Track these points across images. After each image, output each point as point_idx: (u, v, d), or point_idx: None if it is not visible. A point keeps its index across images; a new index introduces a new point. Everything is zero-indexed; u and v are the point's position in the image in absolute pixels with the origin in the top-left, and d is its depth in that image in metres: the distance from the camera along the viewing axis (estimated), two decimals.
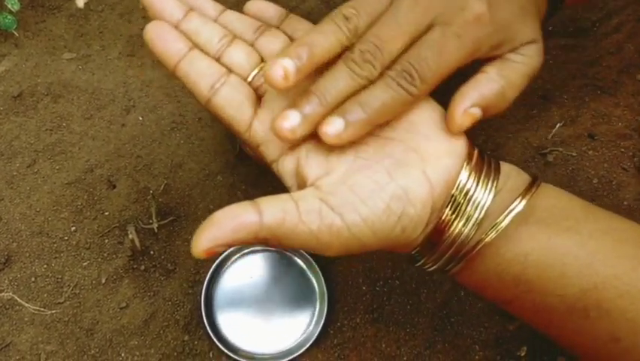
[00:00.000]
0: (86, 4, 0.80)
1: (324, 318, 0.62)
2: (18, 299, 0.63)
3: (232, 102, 0.42)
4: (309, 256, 0.64)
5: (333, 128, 0.38)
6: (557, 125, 0.70)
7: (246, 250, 0.65)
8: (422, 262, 0.42)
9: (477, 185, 0.39)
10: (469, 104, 0.40)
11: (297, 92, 0.41)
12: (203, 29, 0.44)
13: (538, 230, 0.39)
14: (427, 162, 0.39)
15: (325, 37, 0.39)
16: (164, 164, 0.70)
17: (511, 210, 0.39)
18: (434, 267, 0.42)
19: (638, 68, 0.74)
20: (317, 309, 0.63)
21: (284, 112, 0.39)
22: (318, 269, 0.64)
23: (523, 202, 0.39)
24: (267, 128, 0.42)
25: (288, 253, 0.65)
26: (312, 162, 0.40)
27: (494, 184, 0.39)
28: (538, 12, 0.45)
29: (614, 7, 0.78)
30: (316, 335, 0.61)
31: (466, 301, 0.63)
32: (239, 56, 0.44)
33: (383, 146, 0.40)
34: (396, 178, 0.38)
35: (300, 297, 0.63)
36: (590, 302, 0.38)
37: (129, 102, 0.74)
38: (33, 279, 0.64)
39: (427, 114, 0.41)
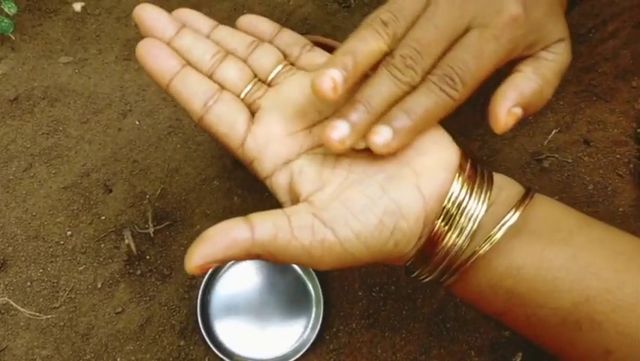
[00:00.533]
0: (82, 7, 0.80)
1: (320, 323, 0.62)
2: (13, 304, 0.63)
3: (225, 119, 0.42)
4: None
5: (382, 137, 0.38)
6: (553, 132, 0.71)
7: None
8: (416, 273, 0.42)
9: (470, 196, 0.39)
10: (510, 104, 0.40)
11: (296, 108, 0.42)
12: (196, 46, 0.44)
13: (530, 242, 0.39)
14: (419, 175, 0.39)
15: (366, 44, 0.39)
16: (160, 168, 0.70)
17: (504, 223, 0.38)
18: (429, 278, 0.41)
19: (633, 75, 0.74)
20: (313, 314, 0.63)
21: (332, 122, 0.38)
22: (314, 275, 0.64)
23: (517, 214, 0.39)
24: (261, 144, 0.42)
25: None
26: (305, 178, 0.40)
27: (487, 195, 0.39)
28: (563, 10, 0.45)
29: (610, 14, 0.79)
30: (312, 340, 0.61)
31: (461, 307, 0.63)
32: (232, 72, 0.44)
33: (376, 160, 0.40)
34: (389, 192, 0.38)
35: (296, 302, 0.64)
36: (582, 315, 0.38)
37: (126, 106, 0.74)
38: (29, 283, 0.64)
39: None
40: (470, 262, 0.39)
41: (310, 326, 0.62)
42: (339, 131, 0.38)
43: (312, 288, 0.64)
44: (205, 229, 0.36)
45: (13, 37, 0.77)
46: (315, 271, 0.64)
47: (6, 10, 0.75)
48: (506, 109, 0.40)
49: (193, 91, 0.42)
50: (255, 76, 0.44)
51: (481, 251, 0.38)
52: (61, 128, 0.72)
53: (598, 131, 0.71)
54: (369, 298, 0.64)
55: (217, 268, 0.64)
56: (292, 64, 0.45)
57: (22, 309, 0.62)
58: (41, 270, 0.65)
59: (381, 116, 0.39)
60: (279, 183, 0.41)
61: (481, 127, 0.71)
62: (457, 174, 0.39)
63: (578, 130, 0.71)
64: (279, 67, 0.44)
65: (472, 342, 0.62)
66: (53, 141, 0.71)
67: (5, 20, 0.75)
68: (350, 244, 0.37)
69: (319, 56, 0.45)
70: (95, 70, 0.76)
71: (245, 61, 0.45)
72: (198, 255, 0.35)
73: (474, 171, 0.40)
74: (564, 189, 0.67)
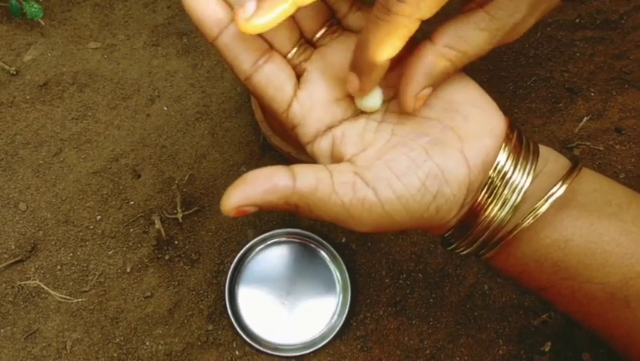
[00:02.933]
0: None
1: (347, 310, 0.62)
2: (44, 287, 0.63)
3: (274, 82, 0.40)
4: (332, 248, 0.64)
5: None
6: (584, 119, 0.70)
7: (270, 241, 0.65)
8: (454, 245, 0.41)
9: (515, 167, 0.37)
10: (417, 89, 0.38)
11: (341, 74, 0.41)
12: None
13: (579, 216, 0.38)
14: (465, 141, 0.37)
15: None
16: (188, 154, 0.70)
17: (551, 195, 0.37)
18: (466, 251, 0.41)
19: None
20: (340, 301, 0.63)
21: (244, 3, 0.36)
22: (341, 261, 0.64)
23: (564, 187, 0.37)
24: (305, 110, 0.41)
25: (311, 245, 0.65)
26: (347, 141, 0.40)
27: (533, 167, 0.38)
28: None
29: None
30: (339, 326, 0.61)
31: (489, 295, 0.63)
32: (280, 30, 0.41)
33: (420, 124, 0.39)
34: (433, 156, 0.37)
35: (324, 289, 0.64)
36: (631, 292, 0.37)
37: (154, 92, 0.74)
38: (59, 267, 0.65)
39: (464, 93, 0.40)
40: (513, 234, 0.38)
41: (337, 312, 0.63)
42: (246, 11, 0.36)
43: (339, 274, 0.64)
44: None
45: (43, 23, 0.78)
46: (342, 258, 0.64)
47: None
48: (413, 95, 0.38)
49: (244, 48, 0.40)
50: (302, 36, 0.43)
51: (525, 224, 0.37)
52: (90, 113, 0.73)
53: (630, 119, 0.70)
54: (396, 285, 0.64)
55: (245, 254, 0.64)
56: (339, 22, 0.43)
57: (52, 292, 0.63)
58: (71, 254, 0.65)
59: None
60: (321, 149, 0.41)
61: (510, 114, 0.70)
62: (504, 144, 0.38)
63: (609, 118, 0.70)
64: (325, 27, 0.42)
65: (500, 331, 0.61)
66: (82, 126, 0.72)
67: (35, 5, 0.75)
68: (391, 205, 0.36)
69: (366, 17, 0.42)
70: (123, 55, 0.77)
71: (292, 17, 0.42)
72: (237, 195, 0.35)
73: (520, 141, 0.39)
74: None
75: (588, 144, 0.68)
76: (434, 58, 0.38)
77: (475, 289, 0.63)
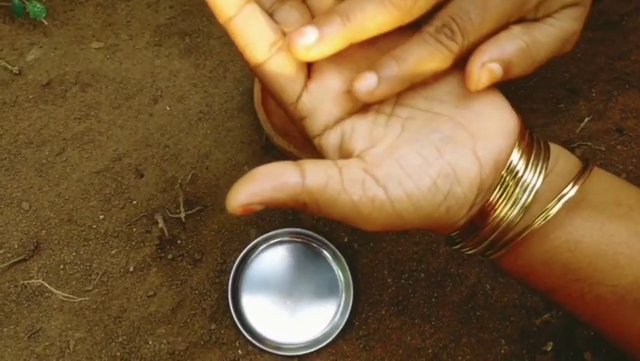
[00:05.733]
0: None
1: (349, 309, 0.62)
2: (48, 286, 0.64)
3: (286, 71, 0.39)
4: (335, 248, 0.64)
5: (366, 83, 0.36)
6: (585, 120, 0.70)
7: (272, 241, 0.65)
8: (461, 245, 0.40)
9: (526, 166, 0.37)
10: (487, 58, 0.37)
11: (352, 63, 0.40)
12: None
13: (590, 216, 0.38)
14: (477, 140, 0.36)
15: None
16: (191, 154, 0.70)
17: (562, 196, 0.37)
18: (473, 250, 0.40)
19: None
20: (342, 300, 0.63)
21: (301, 28, 0.35)
22: (343, 260, 0.64)
23: (576, 187, 0.37)
24: (315, 102, 0.39)
25: (314, 245, 0.65)
26: (357, 135, 0.38)
27: (544, 166, 0.37)
28: None
29: None
30: (342, 326, 0.62)
31: (491, 295, 0.63)
32: (292, 15, 0.40)
33: (431, 120, 0.37)
34: (444, 154, 0.36)
35: (326, 288, 0.64)
36: None
37: (157, 92, 0.74)
38: (62, 266, 0.65)
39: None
40: (523, 235, 0.37)
41: (340, 311, 0.63)
42: (306, 38, 0.35)
43: (342, 274, 0.64)
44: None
45: (46, 23, 0.78)
46: (344, 257, 0.64)
47: None
48: (481, 62, 0.37)
49: (257, 34, 0.38)
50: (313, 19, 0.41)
51: (536, 225, 0.37)
52: (93, 113, 0.73)
53: (631, 120, 0.70)
54: (398, 284, 0.64)
55: (248, 253, 0.64)
56: None
57: (56, 291, 0.63)
58: (74, 253, 0.66)
59: (356, 32, 0.36)
60: (329, 143, 0.40)
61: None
62: (517, 143, 0.37)
63: (610, 118, 0.70)
64: None
65: (502, 330, 0.62)
66: (85, 125, 0.72)
67: (38, 5, 0.75)
68: (401, 204, 0.35)
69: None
70: (126, 55, 0.77)
71: (304, 1, 0.41)
72: (244, 192, 0.34)
73: (531, 140, 0.38)
74: None
75: (589, 144, 0.69)
76: (508, 35, 0.37)
77: (477, 288, 0.63)
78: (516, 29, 0.38)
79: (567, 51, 0.41)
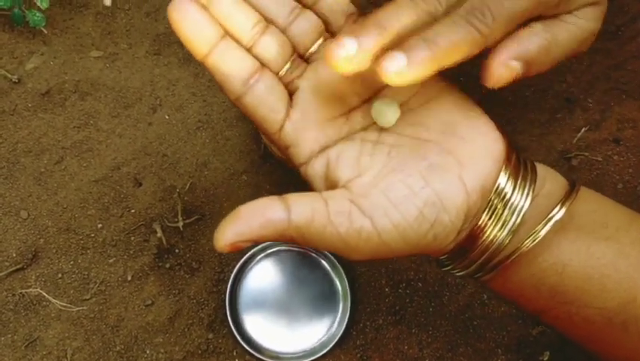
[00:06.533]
0: (113, 2, 0.81)
1: (347, 319, 0.62)
2: (45, 295, 0.64)
3: (266, 102, 0.39)
4: (332, 257, 0.65)
5: (395, 64, 0.33)
6: (582, 130, 0.70)
7: (270, 250, 0.65)
8: (450, 267, 0.40)
9: (514, 189, 0.37)
10: (508, 55, 0.36)
11: (334, 92, 0.40)
12: (236, 12, 0.39)
13: (577, 238, 0.38)
14: (463, 166, 0.36)
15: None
16: (189, 163, 0.71)
17: (550, 218, 0.37)
18: (463, 273, 0.40)
19: None
20: (340, 310, 0.63)
21: (338, 39, 0.34)
22: (341, 270, 0.64)
23: (563, 209, 0.37)
24: (298, 130, 0.39)
25: (312, 254, 0.65)
26: (343, 164, 0.38)
27: (532, 188, 0.37)
28: None
29: (639, 11, 0.78)
30: (339, 335, 0.62)
31: (488, 305, 0.63)
32: (272, 47, 0.40)
33: (417, 147, 0.37)
34: (431, 183, 0.36)
35: (324, 297, 0.64)
36: (629, 316, 0.37)
37: (156, 101, 0.74)
38: (60, 275, 0.65)
39: (463, 114, 0.38)
40: (511, 258, 0.37)
41: (337, 321, 0.63)
42: (346, 49, 0.34)
43: (340, 283, 0.64)
44: None
45: (45, 31, 0.78)
46: (342, 267, 0.64)
47: (38, 4, 0.75)
48: (502, 60, 0.36)
49: (233, 67, 0.38)
50: (294, 51, 0.41)
51: (524, 248, 0.37)
52: (92, 121, 0.73)
53: (627, 130, 0.70)
54: (395, 294, 0.64)
55: (245, 262, 0.65)
56: (333, 34, 0.41)
57: (53, 300, 0.63)
58: (72, 262, 0.66)
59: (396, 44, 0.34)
60: (315, 171, 0.39)
61: (509, 124, 0.70)
62: (504, 166, 0.37)
63: (607, 128, 0.70)
64: (320, 40, 0.41)
65: (499, 340, 0.62)
66: (84, 134, 0.72)
67: (37, 14, 0.76)
68: (388, 235, 0.35)
69: None
70: (125, 64, 0.77)
71: (284, 31, 0.41)
72: (231, 232, 0.34)
73: (518, 162, 0.38)
74: (593, 188, 0.66)
75: (586, 154, 0.69)
76: (529, 32, 0.37)
77: (474, 298, 0.63)
78: (537, 27, 0.38)
79: (582, 51, 0.41)
